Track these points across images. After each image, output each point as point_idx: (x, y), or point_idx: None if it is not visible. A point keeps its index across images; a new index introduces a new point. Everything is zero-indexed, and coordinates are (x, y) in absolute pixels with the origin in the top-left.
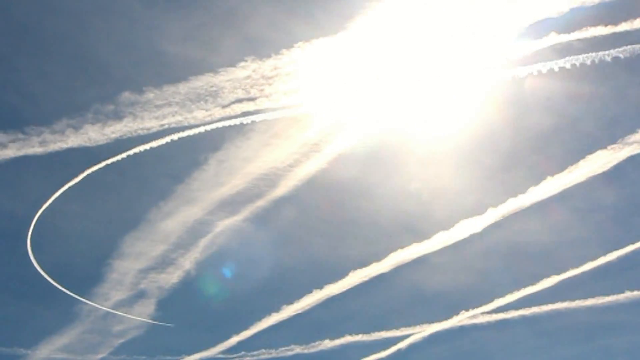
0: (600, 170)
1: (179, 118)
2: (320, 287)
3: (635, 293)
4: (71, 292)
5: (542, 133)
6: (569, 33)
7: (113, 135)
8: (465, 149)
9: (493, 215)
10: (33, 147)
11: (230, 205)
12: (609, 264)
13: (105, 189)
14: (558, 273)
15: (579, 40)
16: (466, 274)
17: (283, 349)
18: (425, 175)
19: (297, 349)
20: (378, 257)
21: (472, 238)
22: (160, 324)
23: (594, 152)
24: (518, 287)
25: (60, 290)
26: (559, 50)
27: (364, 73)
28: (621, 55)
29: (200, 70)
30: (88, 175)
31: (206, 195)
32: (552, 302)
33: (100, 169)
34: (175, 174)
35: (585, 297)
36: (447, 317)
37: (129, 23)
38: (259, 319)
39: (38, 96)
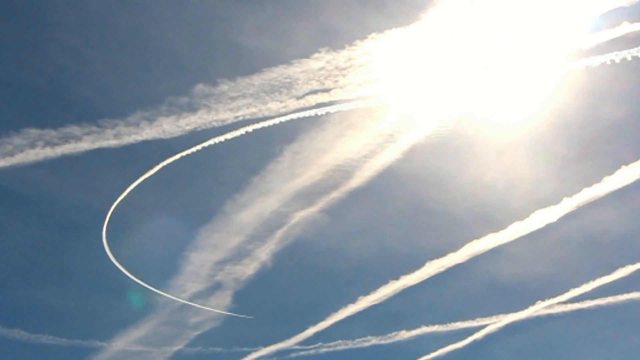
0: None
1: (254, 110)
2: (397, 278)
3: None
4: (147, 284)
5: (616, 122)
6: None
7: (187, 128)
8: (539, 138)
9: (568, 205)
10: (108, 140)
11: (306, 196)
12: None
13: (180, 181)
14: (633, 262)
15: None
16: (542, 264)
17: (359, 339)
18: (500, 166)
19: (374, 340)
20: (454, 248)
21: (548, 228)
22: (237, 315)
23: None
24: (594, 277)
25: (136, 282)
26: (631, 39)
27: (438, 63)
28: None
29: (274, 62)
30: (163, 167)
31: (281, 187)
32: (628, 291)
33: (175, 161)
34: (250, 165)
35: None
36: (523, 307)
37: (202, 15)
38: (336, 310)
39: (112, 89)
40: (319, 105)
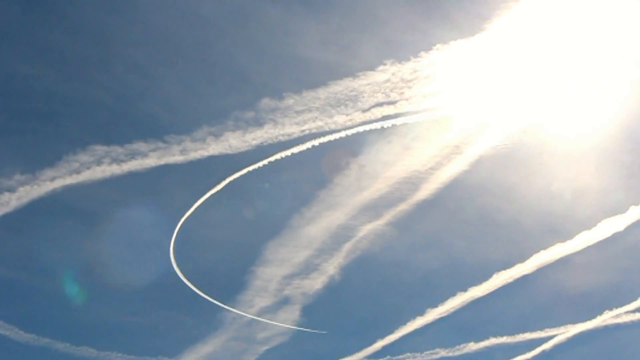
0: None
1: (320, 123)
2: (464, 290)
3: None
4: (215, 299)
5: None
6: None
7: (254, 142)
8: (605, 147)
9: (636, 213)
10: (174, 156)
11: (373, 209)
12: None
13: (247, 196)
14: None
15: None
16: (609, 274)
17: (428, 352)
18: (567, 175)
19: (442, 352)
20: (521, 259)
21: (615, 237)
22: (305, 329)
23: None
24: None
25: (203, 298)
26: None
27: (504, 74)
28: None
29: (339, 75)
30: (230, 182)
31: (348, 200)
32: None
33: (241, 176)
34: (317, 179)
35: None
36: (591, 317)
37: (267, 29)
38: (404, 322)
39: (178, 104)
40: (385, 118)
